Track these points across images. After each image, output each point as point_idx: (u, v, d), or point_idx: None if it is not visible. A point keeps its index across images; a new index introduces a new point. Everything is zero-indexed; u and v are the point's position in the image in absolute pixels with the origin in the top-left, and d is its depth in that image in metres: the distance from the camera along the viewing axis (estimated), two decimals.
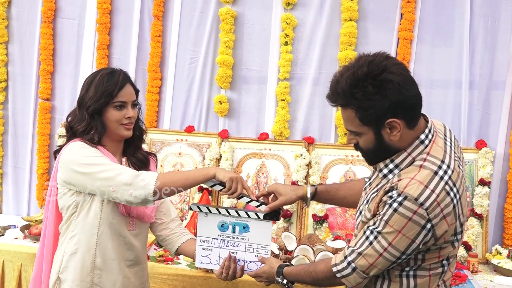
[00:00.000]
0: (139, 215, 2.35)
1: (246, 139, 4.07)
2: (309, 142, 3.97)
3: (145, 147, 2.64)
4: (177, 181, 2.20)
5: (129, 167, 2.39)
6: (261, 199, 2.36)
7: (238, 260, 2.32)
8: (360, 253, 1.86)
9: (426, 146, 1.85)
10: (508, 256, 3.53)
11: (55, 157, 2.36)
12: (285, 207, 3.77)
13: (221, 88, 4.13)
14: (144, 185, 2.13)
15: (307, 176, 3.85)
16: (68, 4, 4.35)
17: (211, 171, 2.24)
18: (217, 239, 2.34)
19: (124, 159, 2.43)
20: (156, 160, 2.60)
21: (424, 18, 3.89)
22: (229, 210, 2.33)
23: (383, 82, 1.75)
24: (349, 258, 1.89)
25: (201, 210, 2.34)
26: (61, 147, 2.35)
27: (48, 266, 2.36)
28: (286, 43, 4.00)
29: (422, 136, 1.85)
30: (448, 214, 1.77)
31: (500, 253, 3.58)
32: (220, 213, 2.33)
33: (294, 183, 3.81)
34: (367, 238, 1.85)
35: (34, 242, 3.56)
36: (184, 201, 3.97)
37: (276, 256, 3.19)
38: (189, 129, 4.15)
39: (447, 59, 3.88)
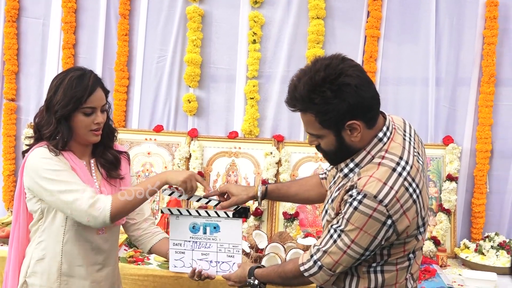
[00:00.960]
0: None
1: (215, 138, 4.06)
2: (279, 140, 3.97)
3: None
4: (133, 200, 2.18)
5: (98, 169, 2.35)
6: (215, 197, 2.37)
7: (211, 261, 2.32)
8: (325, 251, 1.88)
9: (385, 144, 1.88)
10: (475, 250, 3.58)
11: (23, 157, 2.30)
12: (255, 205, 3.78)
13: (190, 86, 4.11)
14: (99, 214, 2.12)
15: (277, 174, 3.85)
16: (32, 3, 4.27)
17: (163, 179, 2.22)
18: (189, 241, 2.33)
19: (92, 161, 2.37)
20: (128, 158, 2.53)
21: (391, 16, 3.93)
22: (199, 211, 2.33)
23: (341, 86, 1.76)
24: (315, 257, 1.91)
25: (172, 213, 2.33)
26: (29, 147, 2.29)
27: (15, 265, 2.31)
28: (254, 42, 4.00)
29: (380, 134, 1.88)
30: (408, 209, 1.80)
31: (468, 247, 3.63)
32: (190, 214, 2.32)
33: (264, 182, 3.81)
34: (331, 236, 1.88)
35: (1, 245, 3.49)
36: (154, 201, 3.94)
37: (247, 254, 3.19)
38: (158, 129, 4.12)
39: (414, 56, 3.92)
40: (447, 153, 3.81)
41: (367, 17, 3.92)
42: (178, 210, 2.33)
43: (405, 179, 1.80)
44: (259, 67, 4.02)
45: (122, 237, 3.52)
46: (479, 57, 3.85)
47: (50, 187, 2.14)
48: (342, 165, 1.93)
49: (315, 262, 1.91)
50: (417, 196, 1.83)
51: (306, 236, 3.64)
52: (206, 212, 2.31)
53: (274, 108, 4.05)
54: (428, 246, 3.59)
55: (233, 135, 4.02)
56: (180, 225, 2.34)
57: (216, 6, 4.09)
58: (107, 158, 2.38)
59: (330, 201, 1.98)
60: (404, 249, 1.90)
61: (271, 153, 3.86)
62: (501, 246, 3.53)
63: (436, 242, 3.64)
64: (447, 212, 3.72)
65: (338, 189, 1.93)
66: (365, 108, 1.82)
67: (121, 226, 2.50)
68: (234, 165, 3.95)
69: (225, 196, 2.39)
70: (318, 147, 1.95)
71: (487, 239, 3.62)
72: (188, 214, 2.32)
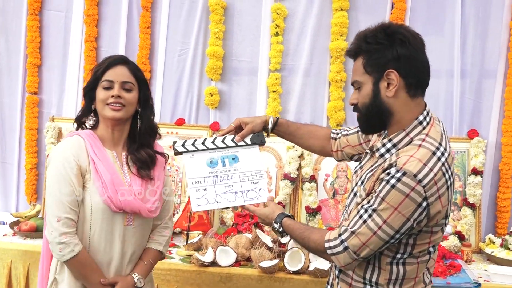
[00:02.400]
0: (133, 210, 2.26)
1: None
2: None
3: None
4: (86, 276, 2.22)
5: (129, 165, 2.33)
6: (229, 135, 2.32)
7: (236, 192, 2.23)
8: (353, 232, 1.84)
9: (424, 128, 1.87)
10: (501, 245, 3.53)
11: None
12: (277, 199, 3.76)
13: (212, 80, 4.09)
14: (58, 254, 2.17)
15: (299, 168, 3.83)
16: None
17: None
18: (209, 177, 2.24)
19: (124, 153, 2.34)
20: (166, 160, 2.49)
21: (415, 7, 3.88)
22: (216, 143, 2.28)
23: (395, 34, 1.84)
24: (343, 237, 1.86)
25: (188, 150, 2.27)
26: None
27: (48, 262, 2.32)
28: (276, 34, 3.97)
29: (421, 117, 1.88)
30: (443, 194, 1.80)
31: (494, 242, 3.59)
32: (207, 148, 2.27)
33: (286, 176, 3.79)
34: (361, 216, 1.84)
35: (24, 239, 3.51)
36: (175, 195, 3.94)
37: (270, 249, 3.17)
38: (180, 122, 4.11)
39: (439, 48, 3.86)
40: (472, 146, 3.76)
41: (392, 9, 3.88)
42: (193, 144, 2.27)
43: (443, 164, 1.80)
44: (282, 59, 4.00)
45: None
46: (505, 49, 3.79)
47: (47, 191, 2.24)
48: (379, 144, 1.92)
49: (341, 241, 1.86)
50: (450, 184, 1.85)
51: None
52: (224, 142, 2.27)
53: (297, 101, 4.03)
54: (453, 241, 3.55)
55: None
56: (196, 163, 2.26)
57: None
58: (140, 156, 2.34)
59: (360, 183, 1.95)
60: (430, 240, 1.88)
61: (293, 146, 3.84)
62: None
63: (460, 237, 3.60)
64: (472, 206, 3.67)
65: (372, 170, 1.91)
66: (411, 66, 1.84)
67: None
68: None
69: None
70: (355, 107, 1.95)
71: None
72: (205, 148, 2.26)
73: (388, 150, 1.89)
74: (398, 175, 1.75)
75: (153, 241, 2.44)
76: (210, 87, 4.08)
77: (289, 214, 2.13)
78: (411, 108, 1.88)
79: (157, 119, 4.05)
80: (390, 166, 1.80)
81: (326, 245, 1.90)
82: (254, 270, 3.09)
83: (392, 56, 1.83)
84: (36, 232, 3.54)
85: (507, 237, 3.56)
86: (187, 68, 4.13)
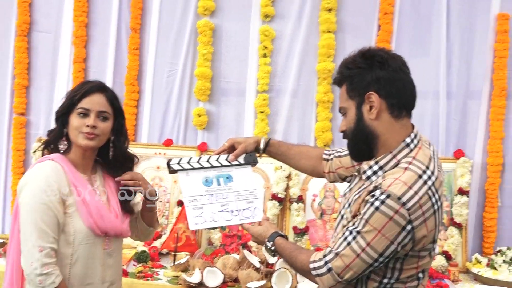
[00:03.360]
0: (116, 232, 2.24)
1: None
2: None
3: None
4: None
5: (102, 185, 2.31)
6: (223, 154, 2.32)
7: (231, 211, 2.22)
8: (337, 253, 1.82)
9: (412, 150, 1.85)
10: (487, 265, 3.55)
11: None
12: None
13: (200, 100, 4.12)
14: (38, 286, 2.06)
15: (287, 188, 3.83)
16: (44, 17, 4.31)
17: None
18: (205, 195, 2.23)
19: (93, 176, 2.30)
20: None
21: (401, 29, 3.94)
22: (210, 161, 2.27)
23: (373, 56, 1.86)
24: (327, 258, 1.85)
25: (183, 168, 2.27)
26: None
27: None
28: (264, 55, 4.01)
29: (408, 140, 1.86)
30: (428, 218, 1.77)
31: (480, 262, 3.60)
32: (202, 166, 2.27)
33: (274, 196, 3.80)
34: (345, 238, 1.82)
35: None
36: (163, 216, 3.93)
37: (257, 269, 3.17)
38: (168, 142, 4.12)
39: (425, 70, 3.91)
40: (458, 166, 3.79)
41: (378, 31, 3.94)
42: (189, 163, 2.27)
43: (429, 188, 1.78)
44: (270, 81, 4.03)
45: (131, 252, 3.51)
46: (490, 71, 3.85)
47: (22, 217, 2.13)
48: (366, 167, 1.91)
49: (325, 263, 1.84)
50: (438, 208, 1.82)
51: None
52: (218, 161, 2.27)
53: (284, 122, 4.05)
54: (440, 261, 3.55)
55: None
56: (192, 181, 2.25)
57: (227, 20, 4.11)
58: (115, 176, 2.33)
59: (347, 205, 1.94)
60: (418, 265, 1.86)
61: (281, 167, 3.84)
62: None
63: (447, 256, 3.61)
64: (459, 226, 3.69)
65: (358, 192, 1.90)
66: (391, 87, 1.85)
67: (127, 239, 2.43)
68: None
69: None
70: (344, 133, 1.96)
71: (499, 254, 3.59)
72: (200, 166, 2.26)
73: (374, 173, 1.88)
74: (382, 197, 1.74)
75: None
76: (198, 108, 4.10)
77: (282, 234, 2.12)
78: (396, 129, 1.87)
79: (145, 140, 4.14)
80: (375, 188, 1.79)
81: (311, 265, 1.89)
82: None
83: (371, 78, 1.84)
84: None
85: (493, 256, 3.58)
86: (175, 89, 4.16)
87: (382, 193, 1.75)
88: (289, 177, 3.85)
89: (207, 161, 2.29)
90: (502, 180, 3.84)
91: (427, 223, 1.77)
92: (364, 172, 1.91)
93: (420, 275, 1.89)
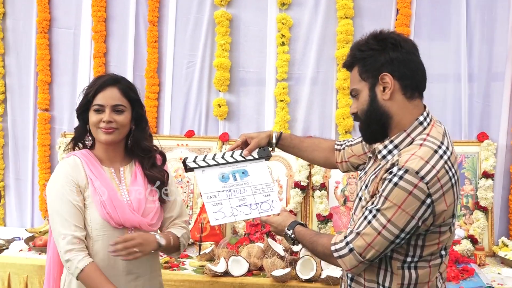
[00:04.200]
0: (133, 225, 2.26)
1: None
2: None
3: None
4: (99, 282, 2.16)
5: (131, 175, 2.35)
6: (236, 150, 2.35)
7: (250, 204, 2.25)
8: (358, 233, 1.83)
9: (425, 128, 1.88)
10: None
11: None
12: (288, 208, 3.77)
13: (220, 91, 4.13)
14: (69, 272, 2.18)
15: (309, 176, 3.84)
16: (63, 13, 4.35)
17: None
18: (223, 191, 2.26)
19: (122, 168, 2.35)
20: (165, 161, 2.48)
21: (420, 12, 3.89)
22: (225, 157, 2.31)
23: (386, 39, 1.89)
24: (348, 238, 1.86)
25: (199, 166, 2.30)
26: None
27: (54, 280, 2.34)
28: (282, 44, 4.00)
29: (421, 118, 1.89)
30: (447, 191, 1.79)
31: (507, 245, 3.57)
32: (218, 163, 2.30)
33: (297, 184, 3.80)
34: (365, 218, 1.83)
35: (39, 254, 3.55)
36: (187, 206, 3.96)
37: (282, 258, 3.18)
38: (189, 134, 4.14)
39: (445, 53, 3.88)
40: (482, 149, 3.75)
41: (396, 15, 3.90)
42: (204, 160, 2.30)
43: (445, 162, 1.80)
44: (289, 69, 4.02)
45: None
46: None
47: (49, 209, 2.24)
48: (380, 146, 1.92)
49: (347, 243, 1.86)
50: (455, 182, 1.83)
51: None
52: (233, 157, 2.30)
53: (305, 110, 4.05)
54: (466, 245, 3.53)
55: None
56: (208, 178, 2.29)
57: (243, 10, 4.11)
58: (152, 176, 2.36)
59: (364, 187, 1.96)
60: (439, 240, 1.87)
61: None
62: None
63: (473, 240, 3.58)
64: (484, 209, 3.66)
65: (375, 172, 1.92)
66: (404, 68, 1.87)
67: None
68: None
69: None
70: (355, 116, 1.97)
71: None
72: (215, 163, 2.29)
73: (390, 152, 1.90)
74: (400, 173, 1.76)
75: (173, 227, 2.41)
76: (218, 99, 4.11)
77: (302, 222, 2.14)
78: (409, 110, 1.90)
79: (167, 132, 4.16)
80: (392, 165, 1.81)
81: (332, 248, 1.90)
82: (267, 279, 3.10)
83: (385, 60, 1.87)
84: None
85: None
86: (195, 81, 4.18)
87: (399, 169, 1.77)
88: (311, 164, 3.85)
89: (222, 157, 2.32)
90: None
91: (445, 197, 1.79)
92: (380, 152, 1.93)
93: (443, 252, 1.91)
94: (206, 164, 2.31)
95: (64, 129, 4.32)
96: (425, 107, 1.95)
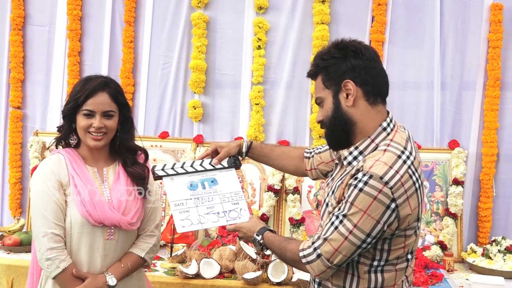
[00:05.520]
0: (113, 223, 2.27)
1: None
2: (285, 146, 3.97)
3: None
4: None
5: (115, 175, 2.36)
6: (206, 158, 2.36)
7: (218, 212, 2.25)
8: (325, 238, 1.85)
9: (389, 134, 1.92)
10: (482, 254, 3.57)
11: None
12: (261, 211, 3.78)
13: (195, 93, 4.12)
14: (47, 271, 2.18)
15: (283, 180, 3.85)
16: (38, 11, 4.30)
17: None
18: (191, 199, 2.26)
19: (105, 169, 2.36)
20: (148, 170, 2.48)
21: (395, 20, 3.94)
22: (194, 166, 2.31)
23: (347, 47, 1.93)
24: (316, 244, 1.88)
25: (167, 174, 2.29)
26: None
27: (36, 277, 2.33)
28: (259, 47, 4.01)
29: (384, 124, 1.93)
30: (411, 196, 1.82)
31: (475, 252, 3.62)
32: (187, 171, 2.30)
33: (270, 187, 3.81)
34: (332, 223, 1.85)
35: (8, 253, 3.50)
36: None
37: (253, 260, 3.19)
38: (164, 135, 4.13)
39: (419, 60, 3.93)
40: (453, 157, 3.81)
41: (372, 22, 3.94)
42: (173, 168, 2.30)
43: (409, 167, 1.84)
44: (264, 72, 4.04)
45: None
46: (484, 61, 3.86)
47: (32, 204, 2.27)
48: (346, 153, 1.95)
49: (314, 249, 1.88)
50: (419, 186, 1.87)
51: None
52: (202, 165, 2.31)
53: (280, 114, 4.06)
54: (435, 251, 3.58)
55: None
56: (176, 186, 2.29)
57: (220, 12, 4.11)
58: (134, 172, 2.37)
59: (330, 193, 1.98)
60: (405, 244, 1.90)
61: None
62: (508, 250, 3.52)
63: (443, 246, 3.63)
64: (454, 216, 3.71)
65: (341, 178, 1.95)
66: (366, 75, 1.91)
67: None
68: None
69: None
70: (322, 123, 2.00)
71: (494, 243, 3.61)
72: (184, 171, 2.30)
73: (355, 158, 1.92)
74: (365, 178, 1.79)
75: (135, 246, 2.41)
76: (193, 100, 4.10)
77: (271, 229, 2.15)
78: (372, 116, 1.93)
79: (141, 133, 4.13)
80: (357, 171, 1.84)
81: (301, 254, 1.92)
82: (238, 282, 3.10)
83: (346, 67, 1.90)
84: (20, 246, 3.53)
85: (488, 246, 3.61)
86: (170, 82, 4.16)
87: (364, 175, 1.79)
88: None
89: (191, 165, 2.33)
90: (496, 170, 3.86)
91: (410, 201, 1.82)
92: (345, 158, 1.95)
93: (409, 256, 1.94)
94: (175, 173, 2.31)
95: (37, 127, 4.27)
96: (388, 113, 1.98)
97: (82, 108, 2.24)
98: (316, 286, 2.04)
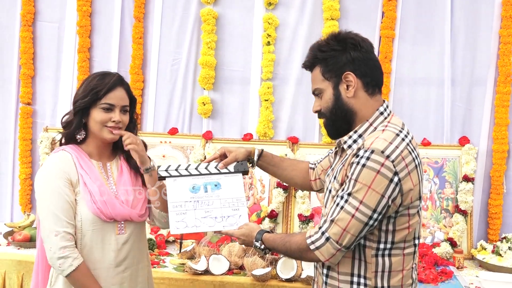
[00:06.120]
0: (124, 218, 2.29)
1: (230, 140, 4.06)
2: (294, 142, 3.97)
3: None
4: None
5: (118, 170, 2.37)
6: (214, 161, 2.36)
7: (215, 217, 2.26)
8: (332, 220, 1.87)
9: (386, 118, 2.00)
10: (492, 252, 3.55)
11: None
12: (270, 207, 3.78)
13: (204, 89, 4.12)
14: (59, 269, 2.18)
15: None
16: (48, 7, 4.31)
17: None
18: (190, 201, 2.28)
19: (109, 164, 2.37)
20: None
21: (406, 16, 3.91)
22: (199, 169, 2.32)
23: (346, 39, 1.99)
24: (323, 228, 1.89)
25: (171, 175, 2.31)
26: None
27: (43, 276, 2.33)
28: (268, 43, 4.00)
29: (381, 109, 2.01)
30: (412, 171, 1.88)
31: (485, 249, 3.61)
32: (190, 174, 2.31)
33: (279, 184, 3.81)
34: (337, 204, 1.88)
35: (18, 249, 3.52)
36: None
37: (262, 257, 3.19)
38: (173, 131, 4.13)
39: (429, 56, 3.90)
40: (463, 153, 3.79)
41: (382, 18, 3.92)
42: (177, 170, 2.31)
43: (407, 144, 1.91)
44: (274, 69, 4.03)
45: None
46: (495, 57, 3.83)
47: (39, 206, 2.25)
48: (345, 138, 2.00)
49: (322, 233, 1.89)
50: (418, 164, 1.93)
51: None
52: (207, 169, 2.31)
53: (289, 110, 4.06)
54: (445, 248, 3.57)
55: (247, 137, 4.02)
56: (178, 187, 2.30)
57: (230, 8, 4.10)
58: (135, 164, 2.38)
59: (333, 179, 2.01)
60: (409, 224, 1.92)
61: (286, 154, 3.86)
62: None
63: (452, 243, 3.62)
64: (464, 213, 3.70)
65: (342, 162, 1.99)
66: (365, 67, 1.98)
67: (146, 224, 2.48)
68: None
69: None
70: (320, 113, 2.04)
71: (504, 240, 3.60)
72: (188, 174, 2.30)
73: (355, 141, 1.98)
74: (367, 154, 1.84)
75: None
76: (202, 97, 4.11)
77: (268, 230, 2.15)
78: (371, 104, 2.00)
79: (150, 129, 4.16)
80: (359, 149, 1.89)
81: (308, 241, 1.92)
82: (247, 278, 3.11)
83: (346, 59, 1.96)
84: (30, 242, 3.55)
85: (498, 243, 3.59)
86: (179, 78, 4.16)
87: (366, 151, 1.85)
88: None
89: (196, 168, 2.33)
90: (507, 166, 3.83)
91: (411, 176, 1.88)
92: (345, 142, 2.01)
93: (416, 241, 1.98)
94: (178, 174, 2.32)
95: (46, 123, 4.29)
96: (384, 101, 2.05)
97: (101, 102, 2.25)
98: (324, 278, 2.05)
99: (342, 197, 1.87)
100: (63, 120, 2.36)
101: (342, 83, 1.97)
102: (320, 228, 1.90)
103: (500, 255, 3.49)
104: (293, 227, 3.80)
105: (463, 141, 3.82)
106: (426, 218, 3.74)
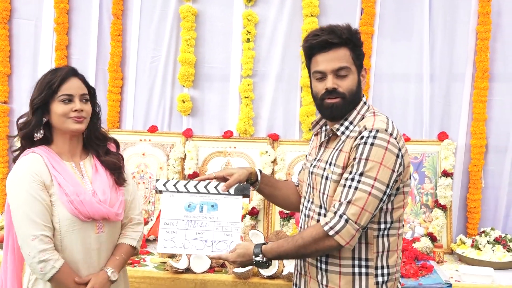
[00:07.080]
0: (102, 216, 2.26)
1: (210, 138, 4.05)
2: (274, 139, 3.97)
3: None
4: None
5: (92, 168, 2.34)
6: (214, 181, 2.32)
7: (206, 240, 2.22)
8: (349, 201, 1.92)
9: (368, 107, 2.15)
10: (472, 246, 3.59)
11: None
12: (251, 204, 3.78)
13: (184, 86, 4.10)
14: (41, 274, 2.14)
15: (272, 173, 3.85)
16: (24, 4, 4.24)
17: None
18: (183, 220, 2.24)
19: (82, 162, 2.34)
20: (122, 158, 2.49)
21: (384, 12, 3.93)
22: (198, 187, 2.27)
23: (358, 33, 2.15)
24: (340, 211, 1.93)
25: (167, 190, 2.27)
26: (18, 155, 2.29)
27: (16, 277, 2.30)
28: (248, 40, 3.99)
29: (364, 99, 2.17)
30: (406, 151, 2.05)
31: (464, 243, 3.64)
32: (188, 191, 2.26)
33: None
34: (349, 187, 1.94)
35: None
36: (149, 202, 3.92)
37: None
38: (153, 129, 4.11)
39: (408, 53, 3.93)
40: (442, 149, 3.82)
41: (361, 14, 3.93)
42: (175, 185, 2.27)
43: (397, 128, 2.06)
44: (253, 65, 4.02)
45: None
46: (473, 53, 3.86)
47: (12, 210, 2.19)
48: (337, 125, 2.11)
49: (340, 216, 1.92)
50: (406, 150, 2.06)
51: None
52: (206, 188, 2.26)
53: (269, 107, 4.05)
54: (425, 242, 3.59)
55: (228, 135, 4.01)
56: (174, 204, 2.26)
57: (209, 5, 4.08)
58: (108, 162, 2.36)
59: (328, 166, 2.07)
60: (404, 202, 2.08)
61: (267, 152, 3.86)
62: (497, 241, 3.55)
63: (432, 238, 3.65)
64: (443, 208, 3.73)
65: (338, 147, 2.06)
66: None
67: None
68: (229, 165, 3.94)
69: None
70: (335, 92, 2.06)
71: (483, 234, 3.64)
72: (185, 191, 2.26)
73: (346, 128, 2.09)
74: (373, 133, 1.97)
75: (125, 236, 2.41)
76: (182, 94, 4.08)
77: (262, 243, 2.13)
78: (359, 95, 2.17)
79: (129, 127, 4.12)
80: (360, 132, 1.99)
81: (326, 227, 1.94)
82: (229, 276, 3.10)
83: (363, 55, 2.15)
84: None
85: (477, 237, 3.63)
86: (159, 75, 4.13)
87: (370, 131, 1.97)
88: (274, 161, 3.87)
89: (195, 186, 2.28)
90: (485, 161, 3.88)
91: (407, 153, 2.06)
92: (337, 129, 2.10)
93: (402, 223, 2.13)
94: (175, 190, 2.28)
95: None
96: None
97: (58, 95, 2.21)
98: (323, 266, 2.07)
99: (352, 179, 1.94)
100: (19, 122, 2.30)
101: (363, 73, 2.14)
102: (335, 212, 1.94)
103: (479, 249, 3.53)
104: (274, 224, 3.80)
105: (442, 136, 3.86)
106: (406, 214, 3.76)
